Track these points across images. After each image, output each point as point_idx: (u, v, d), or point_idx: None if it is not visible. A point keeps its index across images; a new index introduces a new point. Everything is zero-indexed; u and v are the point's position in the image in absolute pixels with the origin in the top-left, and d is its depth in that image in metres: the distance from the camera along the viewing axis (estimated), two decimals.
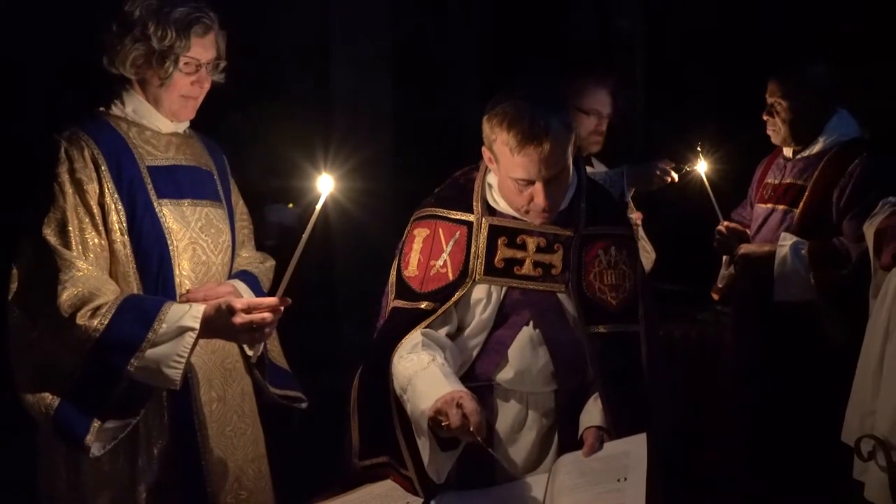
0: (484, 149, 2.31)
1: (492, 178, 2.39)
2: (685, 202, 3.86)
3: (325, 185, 2.13)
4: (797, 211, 3.52)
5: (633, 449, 2.14)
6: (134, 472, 2.36)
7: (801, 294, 3.42)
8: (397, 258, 2.42)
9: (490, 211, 2.37)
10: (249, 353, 2.54)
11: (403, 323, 2.31)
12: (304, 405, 2.68)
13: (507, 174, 2.26)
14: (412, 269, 2.36)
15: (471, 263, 2.31)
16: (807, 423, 3.33)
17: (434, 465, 2.14)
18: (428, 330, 2.29)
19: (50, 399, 2.24)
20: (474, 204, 2.36)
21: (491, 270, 2.32)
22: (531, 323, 2.32)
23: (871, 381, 2.77)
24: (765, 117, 3.60)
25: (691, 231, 4.06)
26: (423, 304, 2.31)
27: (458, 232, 2.34)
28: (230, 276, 2.55)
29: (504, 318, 2.33)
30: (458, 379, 2.19)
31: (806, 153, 3.57)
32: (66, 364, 2.25)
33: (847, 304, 3.21)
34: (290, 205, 3.78)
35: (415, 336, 2.28)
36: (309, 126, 4.01)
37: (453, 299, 2.30)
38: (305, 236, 2.09)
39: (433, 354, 2.22)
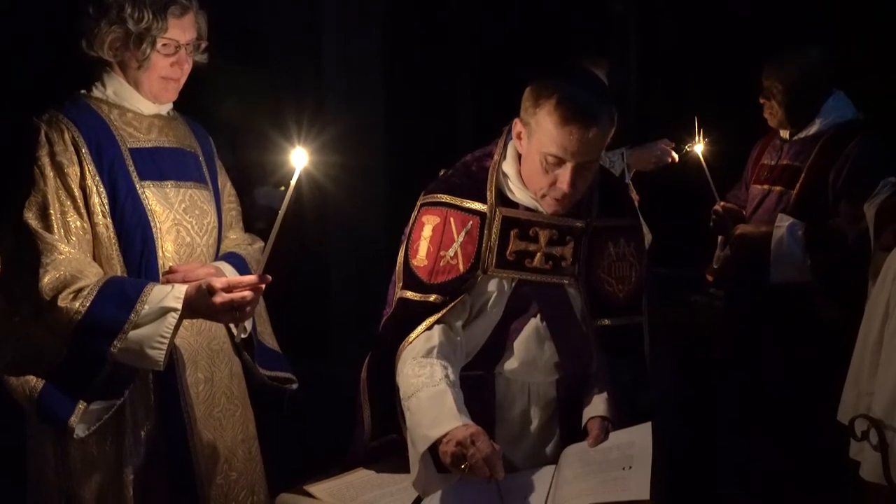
0: (516, 120, 2.24)
1: (507, 168, 2.32)
2: (678, 184, 3.84)
3: (300, 159, 2.09)
4: (793, 192, 3.51)
5: (639, 438, 2.13)
6: (121, 455, 2.37)
7: (798, 275, 3.41)
8: (404, 245, 2.36)
9: (503, 201, 2.31)
10: (235, 332, 2.54)
11: (412, 315, 2.27)
12: (294, 386, 2.68)
13: (540, 148, 2.17)
14: (421, 258, 2.30)
15: (483, 255, 2.26)
16: (801, 404, 3.31)
17: (422, 482, 2.09)
18: (443, 326, 2.25)
19: (34, 382, 2.25)
20: (487, 193, 2.29)
21: (502, 263, 2.27)
22: (538, 315, 2.29)
23: (868, 362, 2.76)
24: (761, 101, 3.59)
25: (684, 213, 4.04)
26: (433, 297, 2.26)
27: (471, 222, 2.28)
28: (217, 258, 2.55)
29: (512, 310, 2.29)
30: (465, 408, 2.12)
31: (802, 135, 3.56)
32: (49, 347, 2.26)
33: (843, 286, 3.19)
34: (282, 188, 3.78)
35: (431, 333, 2.23)
36: (298, 102, 4.00)
37: (465, 293, 2.26)
38: (282, 212, 2.07)
39: (446, 368, 2.16)
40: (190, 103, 2.59)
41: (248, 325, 2.53)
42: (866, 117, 3.54)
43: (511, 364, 2.31)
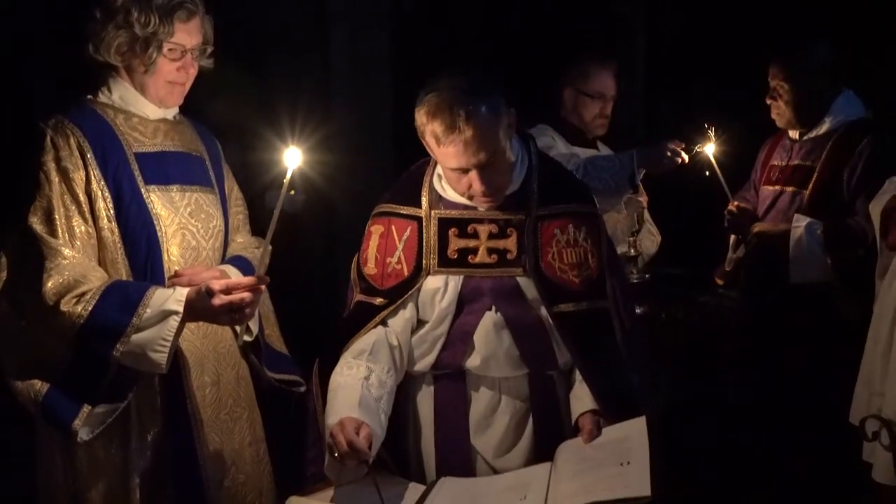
0: (422, 140, 2.30)
1: (441, 169, 2.37)
2: (687, 185, 3.82)
3: (293, 158, 2.11)
4: (807, 192, 3.48)
5: (634, 433, 2.13)
6: (127, 459, 2.38)
7: (818, 275, 3.37)
8: (357, 254, 2.44)
9: (440, 201, 2.36)
10: (238, 333, 2.54)
11: (359, 318, 2.34)
12: (302, 389, 2.67)
13: (442, 164, 2.28)
14: (371, 266, 2.37)
15: (424, 258, 2.32)
16: (820, 404, 3.28)
17: (332, 470, 2.13)
18: (382, 329, 2.31)
19: (38, 386, 2.26)
20: (422, 198, 2.36)
21: (445, 262, 2.31)
22: (493, 308, 2.31)
23: (879, 363, 2.75)
24: (768, 101, 3.56)
25: (693, 214, 4.02)
26: (378, 301, 2.33)
27: (409, 228, 2.34)
28: (224, 261, 2.56)
29: (466, 306, 2.32)
30: (375, 405, 2.18)
31: (812, 134, 3.54)
32: (53, 351, 2.28)
33: (864, 284, 3.16)
34: (293, 192, 3.79)
35: (367, 336, 2.30)
36: (306, 101, 3.99)
37: (410, 296, 2.31)
38: (277, 211, 2.10)
39: (370, 370, 2.23)
40: (195, 105, 2.59)
41: (254, 327, 2.54)
42: (877, 115, 3.51)
43: (474, 359, 2.32)
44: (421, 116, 2.21)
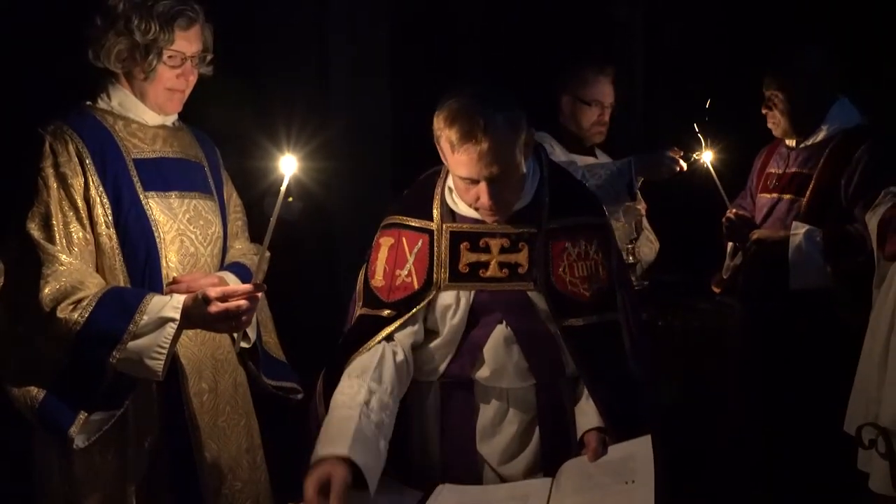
0: (437, 145, 2.28)
1: (452, 182, 2.36)
2: (685, 192, 3.83)
3: (289, 166, 2.12)
4: (804, 200, 3.48)
5: (639, 451, 2.12)
6: (124, 465, 2.38)
7: (818, 281, 3.37)
8: (364, 266, 2.42)
9: (451, 215, 2.34)
10: (234, 340, 2.53)
11: (365, 331, 2.31)
12: (299, 396, 2.68)
13: (453, 171, 2.26)
14: (378, 278, 2.34)
15: (435, 271, 2.29)
16: (820, 410, 3.28)
17: None
18: (388, 345, 2.28)
19: (35, 392, 2.26)
20: (434, 211, 2.34)
21: (456, 276, 2.29)
22: (503, 321, 2.30)
23: (875, 371, 2.76)
24: (764, 111, 3.56)
25: (691, 221, 4.03)
26: (386, 312, 2.30)
27: (420, 241, 2.32)
28: (222, 268, 2.56)
29: (476, 320, 2.31)
30: (375, 432, 2.13)
31: (809, 142, 3.54)
32: (50, 357, 2.27)
33: (863, 291, 3.16)
34: (290, 199, 3.79)
35: (373, 352, 2.26)
36: (303, 110, 4.00)
37: (418, 307, 2.29)
38: (274, 218, 2.10)
39: (371, 393, 2.18)
40: (193, 112, 2.60)
41: (252, 334, 2.54)
42: (873, 122, 3.51)
43: (483, 371, 2.32)
44: (439, 121, 2.19)
